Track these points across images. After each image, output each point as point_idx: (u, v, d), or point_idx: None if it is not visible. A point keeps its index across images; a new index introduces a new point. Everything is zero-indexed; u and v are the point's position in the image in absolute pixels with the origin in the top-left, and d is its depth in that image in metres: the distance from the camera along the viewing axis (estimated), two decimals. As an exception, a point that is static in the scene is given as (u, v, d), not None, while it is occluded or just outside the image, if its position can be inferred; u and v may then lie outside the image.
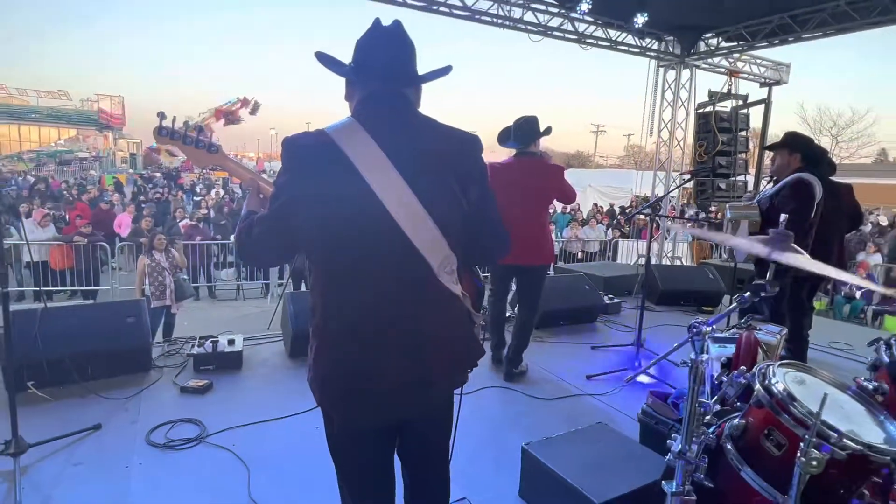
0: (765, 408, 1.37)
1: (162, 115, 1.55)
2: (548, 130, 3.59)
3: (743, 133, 8.51)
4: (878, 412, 1.45)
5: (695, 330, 1.37)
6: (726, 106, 8.45)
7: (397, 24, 1.45)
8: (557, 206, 16.60)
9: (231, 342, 3.89)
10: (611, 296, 5.85)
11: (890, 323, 8.79)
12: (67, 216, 9.93)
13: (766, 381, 1.38)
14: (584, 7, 6.37)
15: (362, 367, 1.40)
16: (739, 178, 8.48)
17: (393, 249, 1.34)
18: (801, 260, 1.33)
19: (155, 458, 2.65)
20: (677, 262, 9.27)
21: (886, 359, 1.68)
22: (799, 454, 1.09)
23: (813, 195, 3.43)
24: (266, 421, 2.99)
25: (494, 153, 3.69)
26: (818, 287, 4.43)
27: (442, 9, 6.05)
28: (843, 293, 9.71)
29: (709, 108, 8.33)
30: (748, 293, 1.35)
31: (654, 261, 8.54)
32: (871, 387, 1.69)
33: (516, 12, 6.54)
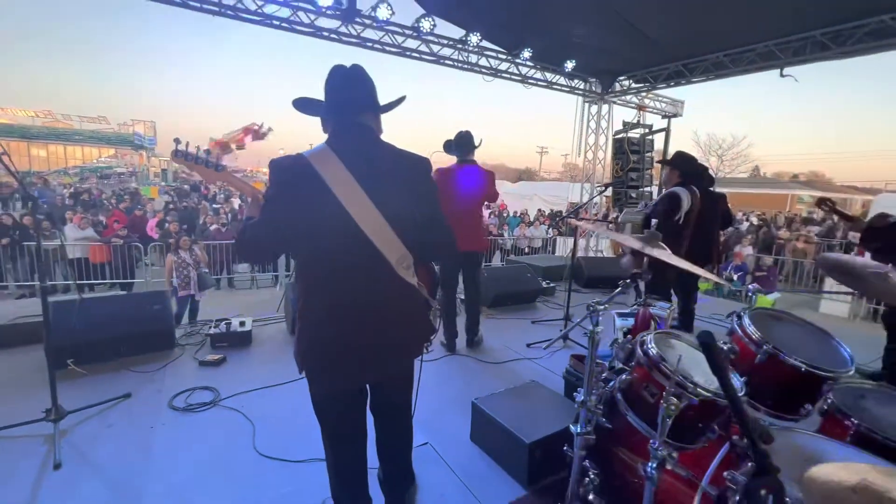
0: (643, 366, 1.43)
1: (177, 141, 1.54)
2: (478, 143, 3.60)
3: (649, 154, 8.71)
4: (730, 370, 1.53)
5: (591, 308, 1.42)
6: (637, 133, 8.63)
7: (356, 67, 1.45)
8: (510, 209, 16.82)
9: (242, 323, 3.80)
10: (548, 281, 5.94)
11: (761, 300, 9.16)
12: (105, 221, 9.49)
13: (644, 346, 1.44)
14: (526, 54, 6.41)
15: (336, 343, 1.41)
16: (646, 189, 8.69)
17: (359, 249, 1.36)
18: (663, 253, 1.39)
19: (176, 419, 2.58)
20: (600, 255, 9.47)
21: (737, 327, 1.76)
22: (661, 400, 1.14)
23: (678, 206, 3.54)
24: (269, 387, 2.95)
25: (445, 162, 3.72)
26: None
27: (413, 54, 6.00)
28: (724, 276, 10.08)
29: (623, 135, 8.49)
30: (629, 279, 1.41)
31: (582, 253, 8.73)
32: (726, 347, 1.79)
33: (473, 58, 6.54)
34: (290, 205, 1.33)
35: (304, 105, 1.47)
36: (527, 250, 11.59)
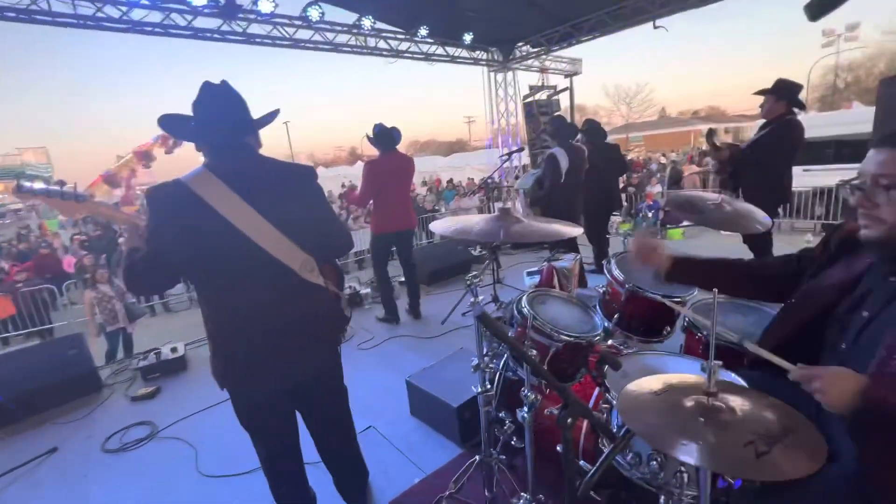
0: (521, 325, 1.58)
1: (18, 176, 1.44)
2: (398, 135, 3.66)
3: (557, 113, 9.05)
4: (592, 313, 1.72)
5: (468, 282, 1.53)
6: (543, 95, 8.91)
7: (225, 84, 1.40)
8: (444, 183, 16.96)
9: (174, 350, 3.63)
10: (479, 248, 6.11)
11: (671, 232, 9.86)
12: (7, 267, 8.43)
13: (519, 306, 1.59)
14: (423, 32, 6.33)
15: (250, 356, 1.42)
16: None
17: (260, 263, 1.36)
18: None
19: (112, 461, 2.48)
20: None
21: (607, 272, 1.96)
22: (525, 349, 1.28)
23: (558, 165, 3.83)
24: (208, 408, 2.88)
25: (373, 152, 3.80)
26: (609, 218, 4.96)
27: (308, 45, 5.74)
28: (640, 214, 10.84)
29: (531, 98, 8.74)
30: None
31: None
32: (602, 290, 2.00)
33: (371, 42, 6.36)
34: (177, 234, 1.29)
35: (171, 124, 1.40)
36: (464, 221, 11.76)
